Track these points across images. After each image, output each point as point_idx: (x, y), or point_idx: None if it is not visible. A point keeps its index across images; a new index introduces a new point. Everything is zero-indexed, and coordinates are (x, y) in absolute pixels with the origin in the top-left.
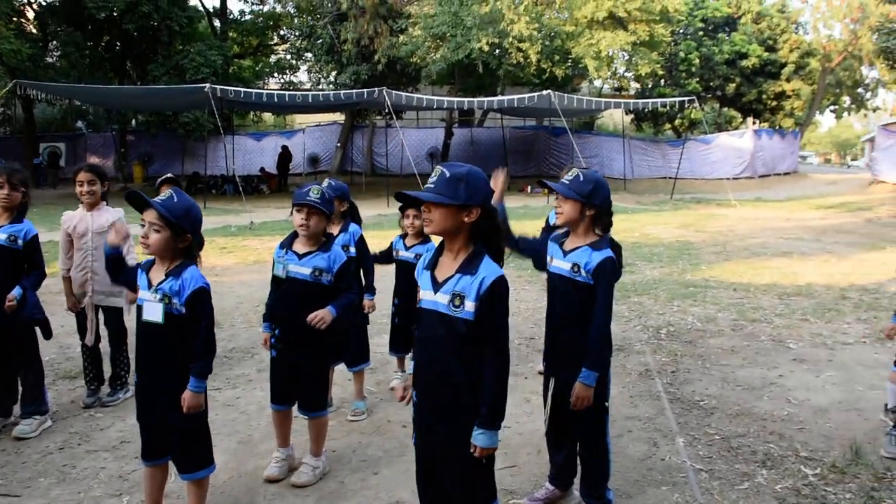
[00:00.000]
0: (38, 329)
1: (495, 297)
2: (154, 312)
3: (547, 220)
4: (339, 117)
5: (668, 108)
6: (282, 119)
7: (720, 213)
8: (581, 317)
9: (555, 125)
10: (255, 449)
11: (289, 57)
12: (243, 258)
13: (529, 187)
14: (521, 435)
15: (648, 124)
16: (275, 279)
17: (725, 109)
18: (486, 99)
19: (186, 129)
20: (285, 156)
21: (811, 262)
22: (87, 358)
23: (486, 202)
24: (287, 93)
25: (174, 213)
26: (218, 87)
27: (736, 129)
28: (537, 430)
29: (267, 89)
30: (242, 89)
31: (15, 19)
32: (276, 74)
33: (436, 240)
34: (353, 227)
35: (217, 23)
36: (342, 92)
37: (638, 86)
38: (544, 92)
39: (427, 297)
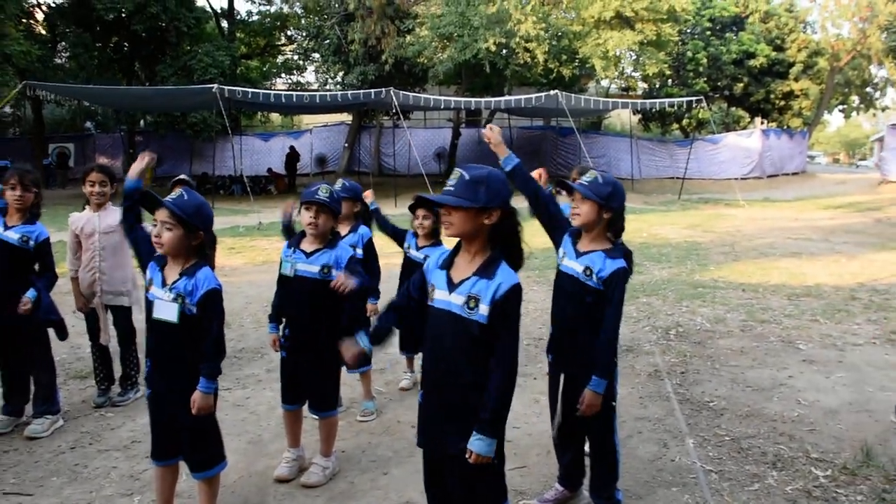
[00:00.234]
0: (51, 330)
1: (509, 304)
2: (168, 312)
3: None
4: (346, 118)
5: (675, 107)
6: (289, 119)
7: (728, 213)
8: (589, 318)
9: (562, 125)
10: (265, 449)
11: (296, 57)
12: (252, 258)
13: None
14: (531, 436)
15: (656, 124)
16: (282, 278)
17: (733, 109)
18: (493, 99)
19: (194, 129)
20: (293, 156)
21: (820, 263)
22: (98, 358)
23: (506, 204)
24: (294, 93)
25: (185, 211)
26: (226, 87)
27: (744, 128)
28: (546, 431)
29: (274, 90)
30: (250, 90)
31: (24, 21)
32: (283, 75)
33: (447, 243)
34: (363, 228)
35: (224, 23)
36: (349, 92)
37: (645, 86)
38: (551, 92)
39: (441, 296)
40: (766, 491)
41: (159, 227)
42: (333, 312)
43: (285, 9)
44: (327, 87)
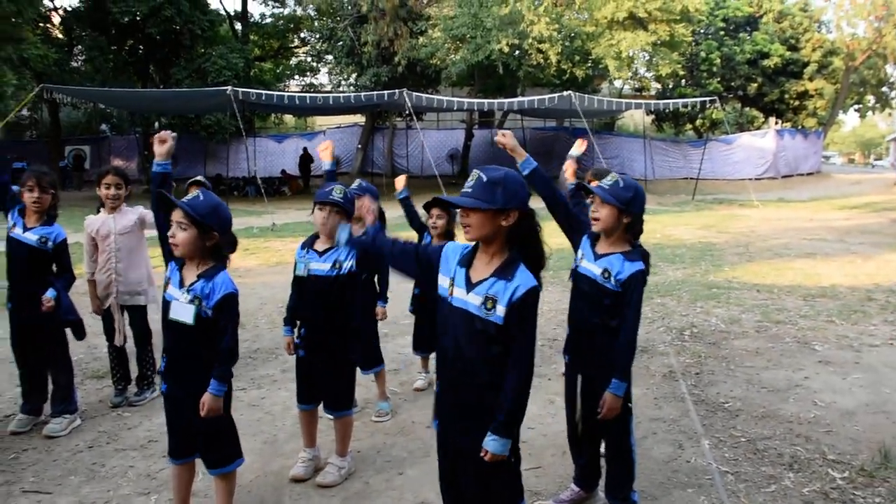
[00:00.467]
0: (69, 330)
1: (526, 306)
2: (185, 313)
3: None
4: (359, 119)
5: (689, 108)
6: (303, 121)
7: (742, 213)
8: (606, 320)
9: (575, 126)
10: (281, 449)
11: (309, 59)
12: (266, 259)
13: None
14: (546, 436)
15: (669, 125)
16: (296, 280)
17: (747, 109)
18: (506, 100)
19: (208, 131)
20: (307, 158)
21: (835, 263)
22: (114, 358)
23: (524, 205)
24: (308, 95)
25: (199, 212)
26: (239, 89)
27: (758, 129)
28: (562, 432)
29: (288, 91)
30: (264, 92)
31: (42, 25)
32: (296, 77)
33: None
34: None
35: (238, 26)
36: (363, 94)
37: (658, 86)
38: (565, 93)
39: (459, 294)
40: (783, 492)
41: (174, 227)
42: (347, 312)
43: (298, 11)
44: (340, 88)
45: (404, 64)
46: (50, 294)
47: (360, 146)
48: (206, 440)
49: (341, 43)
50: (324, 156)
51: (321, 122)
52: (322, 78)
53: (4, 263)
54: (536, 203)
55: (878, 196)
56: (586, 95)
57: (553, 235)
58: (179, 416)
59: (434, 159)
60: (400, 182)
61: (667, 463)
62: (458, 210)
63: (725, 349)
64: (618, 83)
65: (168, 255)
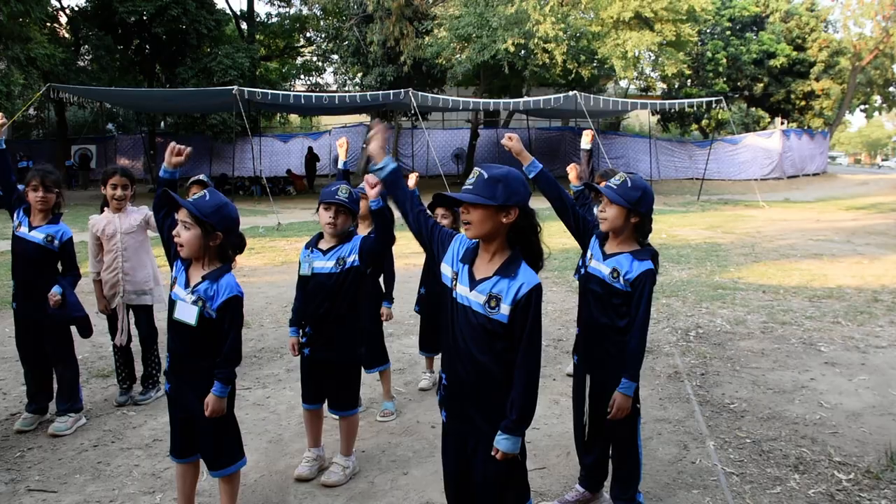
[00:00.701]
0: (74, 328)
1: (531, 305)
2: (188, 314)
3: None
4: (365, 118)
5: (694, 108)
6: (308, 121)
7: (748, 214)
8: (616, 319)
9: (581, 126)
10: (286, 448)
11: (315, 59)
12: (271, 259)
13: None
14: (551, 437)
15: (675, 125)
16: (301, 280)
17: (753, 109)
18: (511, 100)
19: (214, 130)
20: (312, 157)
21: (842, 264)
22: (119, 358)
23: (525, 203)
24: (314, 94)
25: (203, 211)
26: (245, 89)
27: (764, 129)
28: (566, 432)
29: (294, 91)
30: (269, 91)
31: (49, 24)
32: (302, 76)
33: None
34: None
35: (244, 25)
36: (368, 93)
37: (664, 86)
38: (570, 93)
39: (462, 291)
40: (789, 494)
41: (179, 226)
42: (352, 310)
43: (304, 11)
44: (346, 88)
45: (410, 63)
46: (56, 290)
47: (365, 146)
48: (208, 441)
49: (347, 42)
50: (341, 151)
51: (327, 121)
52: (328, 77)
53: (10, 262)
54: (541, 204)
55: (885, 197)
56: (592, 95)
57: (554, 236)
58: (182, 414)
59: (439, 159)
60: (410, 181)
61: (672, 464)
62: (460, 208)
63: (731, 350)
64: (623, 83)
65: (171, 256)
